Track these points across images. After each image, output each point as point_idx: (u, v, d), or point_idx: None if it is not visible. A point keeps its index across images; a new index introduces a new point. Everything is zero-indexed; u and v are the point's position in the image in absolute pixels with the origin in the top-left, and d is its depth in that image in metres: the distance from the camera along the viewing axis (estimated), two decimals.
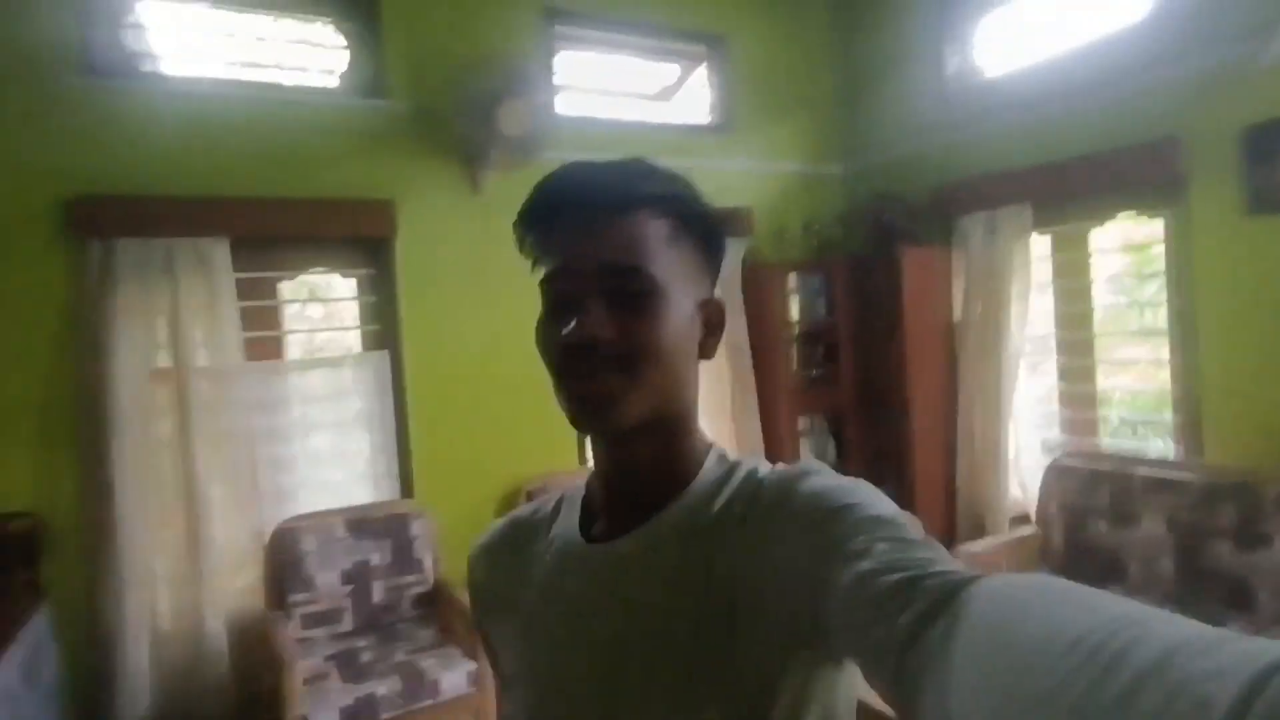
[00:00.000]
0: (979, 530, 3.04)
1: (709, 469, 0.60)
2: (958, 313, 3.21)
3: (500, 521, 0.71)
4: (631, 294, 0.55)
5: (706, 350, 0.61)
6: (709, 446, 0.62)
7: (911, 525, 0.48)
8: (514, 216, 0.57)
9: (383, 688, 2.12)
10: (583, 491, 0.66)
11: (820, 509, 0.51)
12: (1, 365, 2.25)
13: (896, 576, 0.42)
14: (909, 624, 0.38)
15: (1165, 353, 2.64)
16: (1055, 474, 2.72)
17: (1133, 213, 2.74)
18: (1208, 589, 2.23)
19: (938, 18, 3.29)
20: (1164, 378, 2.66)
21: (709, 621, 0.52)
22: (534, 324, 0.57)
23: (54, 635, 2.25)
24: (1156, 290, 2.78)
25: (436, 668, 2.23)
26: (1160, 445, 2.89)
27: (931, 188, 3.26)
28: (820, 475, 0.55)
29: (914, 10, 3.37)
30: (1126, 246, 3.02)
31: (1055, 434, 3.07)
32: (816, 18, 3.74)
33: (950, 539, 3.03)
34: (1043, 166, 2.85)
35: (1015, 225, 2.94)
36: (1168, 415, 2.66)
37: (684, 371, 0.58)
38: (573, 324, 0.54)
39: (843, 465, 3.45)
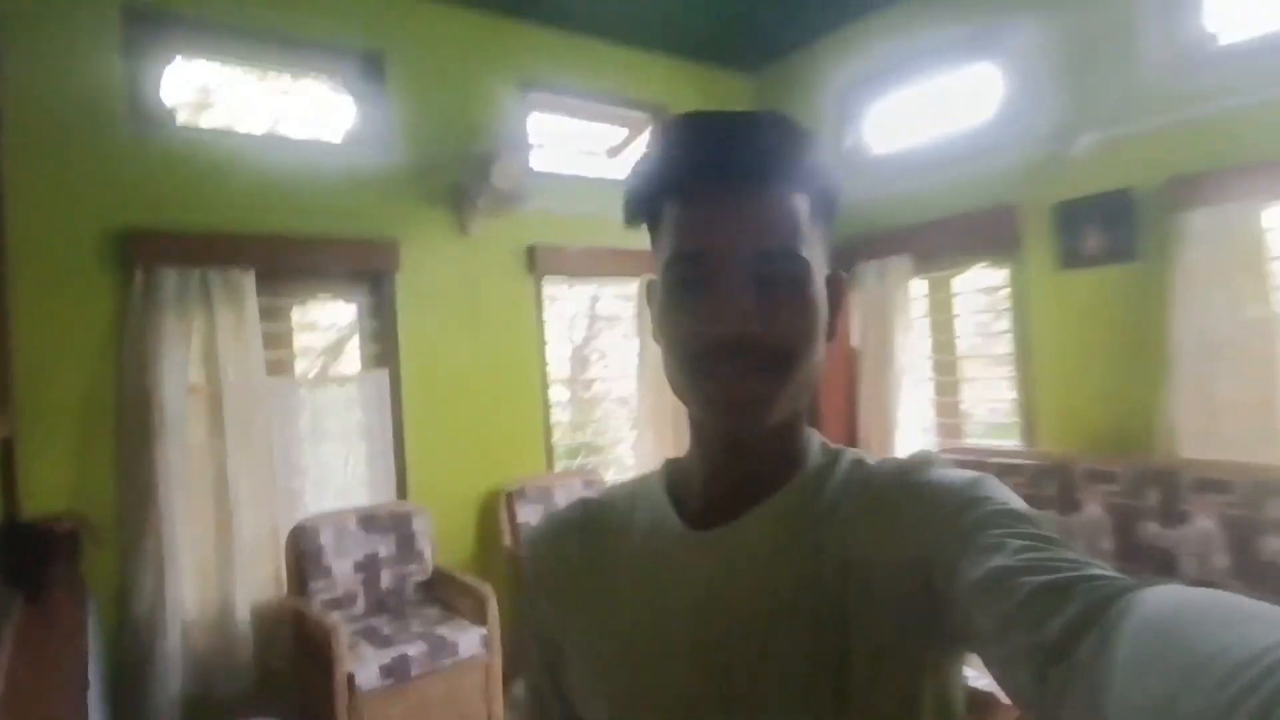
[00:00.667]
0: None
1: (815, 455, 0.57)
2: (857, 341, 3.94)
3: (566, 510, 0.65)
4: (782, 282, 0.50)
5: (833, 330, 0.55)
6: (810, 432, 0.59)
7: (1045, 522, 0.45)
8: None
9: (411, 649, 2.51)
10: (662, 477, 0.62)
11: (948, 498, 0.48)
12: (48, 378, 2.51)
13: (1042, 579, 0.39)
14: (1058, 633, 0.36)
15: (1010, 371, 3.45)
16: None
17: (986, 263, 3.56)
18: None
19: (837, 102, 4.07)
20: (1010, 391, 3.47)
21: (823, 608, 0.49)
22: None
23: (93, 625, 2.48)
24: (1004, 324, 3.60)
25: (453, 633, 2.64)
26: (1008, 441, 3.70)
27: (835, 241, 4.00)
28: (942, 467, 0.52)
29: (819, 93, 4.14)
30: (983, 289, 3.86)
31: (932, 437, 3.84)
32: (740, 93, 4.47)
33: None
34: (919, 225, 3.64)
35: (899, 272, 3.71)
36: (1013, 419, 3.47)
37: (821, 362, 0.54)
38: (722, 316, 0.49)
39: None
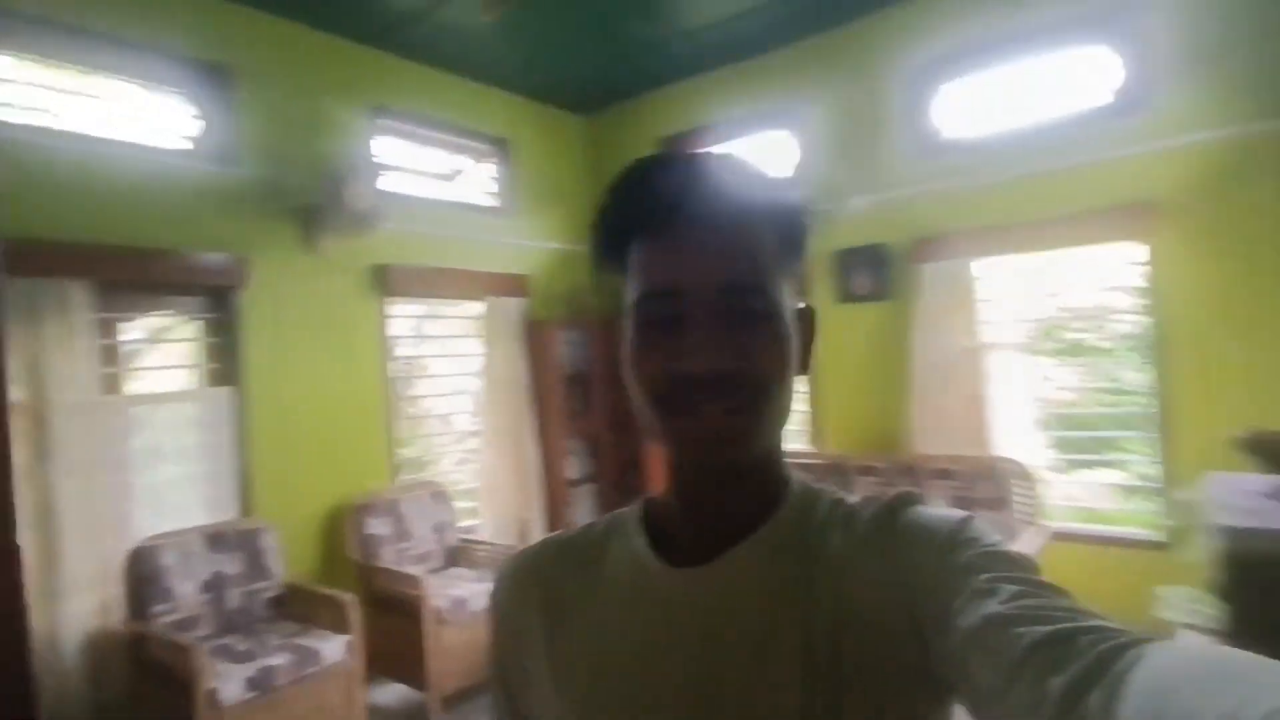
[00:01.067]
0: None
1: (796, 490, 0.57)
2: None
3: (536, 546, 0.64)
4: (750, 316, 0.50)
5: (805, 363, 0.55)
6: (788, 467, 0.58)
7: (1031, 565, 0.45)
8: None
9: (276, 660, 2.55)
10: (639, 514, 0.61)
11: (935, 538, 0.48)
12: None
13: (1042, 630, 0.38)
14: (1062, 691, 0.35)
15: (805, 387, 4.18)
16: None
17: None
18: None
19: (667, 144, 4.62)
20: (801, 405, 4.19)
21: (813, 646, 0.48)
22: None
23: None
24: None
25: (315, 642, 2.70)
26: (799, 446, 4.44)
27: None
28: (928, 504, 0.52)
29: (645, 138, 4.67)
30: None
31: None
32: (575, 132, 4.88)
33: None
34: None
35: None
36: (803, 428, 4.19)
37: (793, 393, 0.53)
38: (691, 352, 0.48)
39: (600, 474, 4.51)
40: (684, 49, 4.04)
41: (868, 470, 3.62)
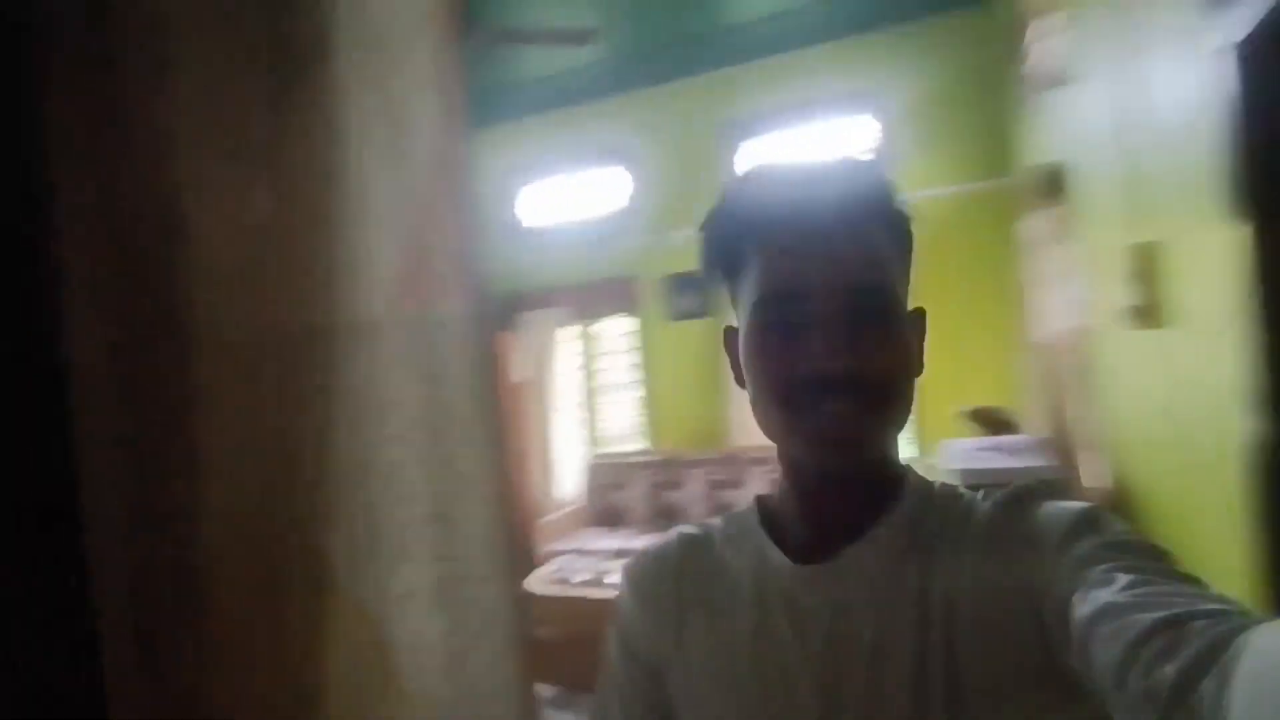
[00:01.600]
0: (542, 509, 4.67)
1: (912, 485, 0.57)
2: (523, 377, 4.86)
3: (666, 541, 0.65)
4: (875, 318, 0.51)
5: (919, 365, 0.56)
6: (905, 465, 0.59)
7: (1157, 553, 0.45)
8: None
9: None
10: (756, 514, 0.62)
11: (1057, 529, 0.48)
12: None
13: (1156, 616, 0.38)
14: (1175, 676, 0.34)
15: (640, 394, 4.71)
16: (591, 468, 4.54)
17: (623, 314, 4.80)
18: (666, 518, 4.24)
19: (498, 183, 4.99)
20: (637, 408, 4.73)
21: (930, 644, 0.49)
22: None
23: None
24: (635, 360, 4.88)
25: None
26: (638, 444, 4.98)
27: (502, 293, 4.89)
28: (1049, 496, 0.52)
29: (481, 175, 5.00)
30: (621, 334, 5.11)
31: (582, 447, 4.92)
32: None
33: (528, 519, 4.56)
34: (569, 285, 4.73)
35: (552, 321, 4.75)
36: (640, 428, 4.73)
37: (912, 395, 0.54)
38: (817, 353, 0.49)
39: None
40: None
41: (698, 463, 4.24)
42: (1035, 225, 3.00)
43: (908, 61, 3.90)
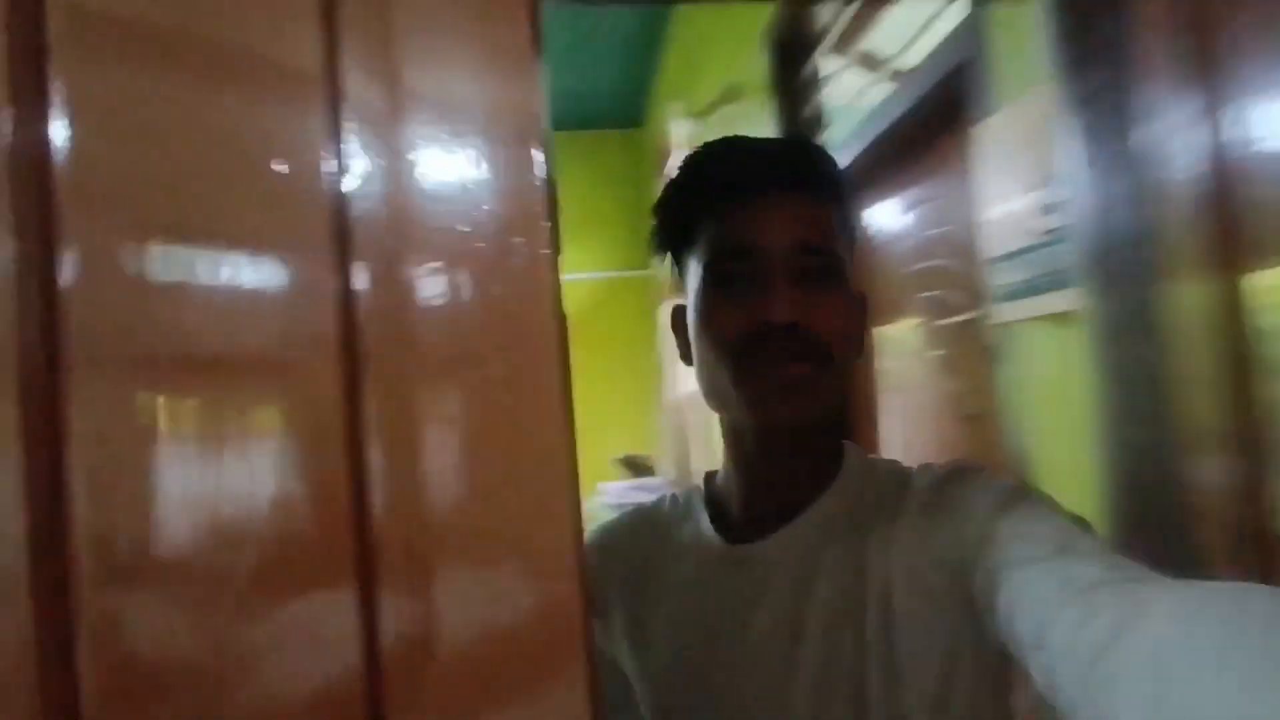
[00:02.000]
0: None
1: (850, 463, 0.58)
2: None
3: (624, 517, 0.66)
4: (825, 280, 0.53)
5: (860, 347, 0.58)
6: (846, 443, 0.59)
7: (1083, 525, 0.46)
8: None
9: None
10: (702, 491, 0.63)
11: (985, 504, 0.48)
12: None
13: (1075, 585, 0.38)
14: (1088, 650, 0.34)
15: None
16: None
17: None
18: None
19: None
20: None
21: (868, 624, 0.49)
22: None
23: None
24: None
25: None
26: None
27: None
28: (981, 474, 0.53)
29: None
30: None
31: None
32: None
33: None
34: None
35: None
36: None
37: (851, 371, 0.56)
38: (769, 305, 0.50)
39: None
40: None
41: None
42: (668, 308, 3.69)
43: (575, 162, 4.52)
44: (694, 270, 0.57)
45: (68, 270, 0.26)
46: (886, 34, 1.62)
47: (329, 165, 0.28)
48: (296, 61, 0.28)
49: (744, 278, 0.53)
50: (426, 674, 0.29)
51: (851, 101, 1.80)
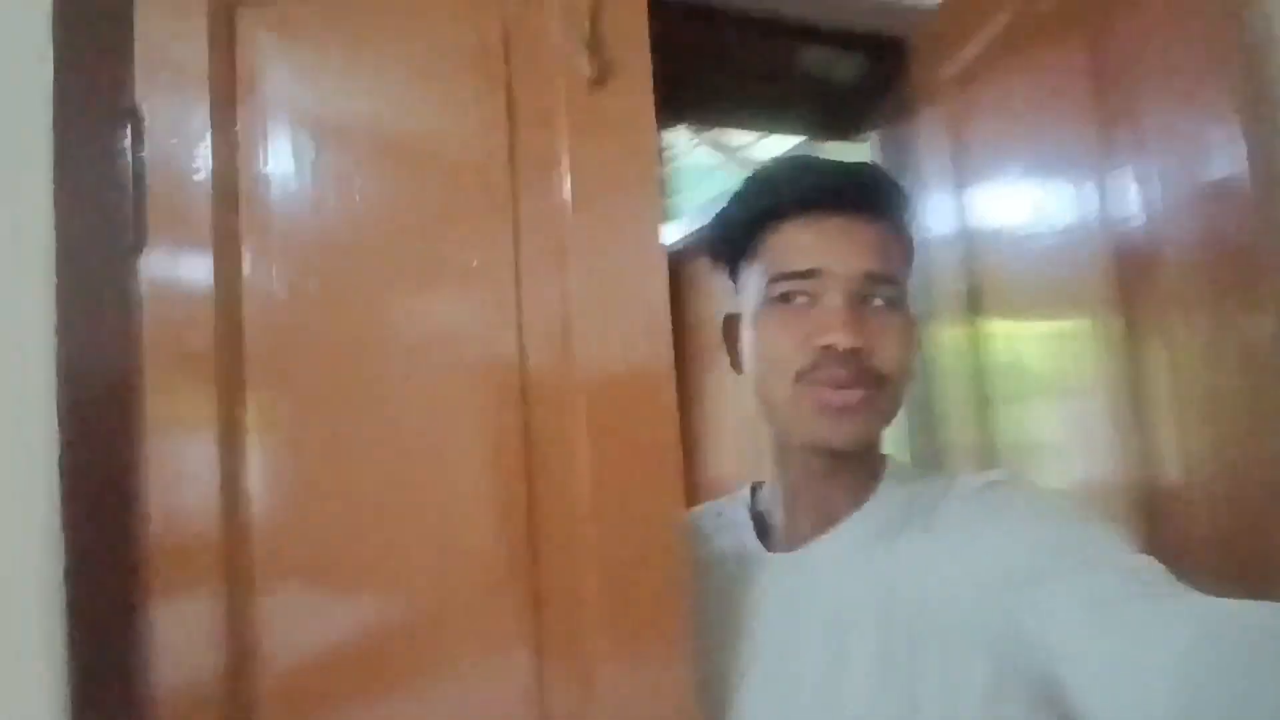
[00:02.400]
0: None
1: (891, 473, 0.58)
2: None
3: (689, 514, 0.65)
4: (886, 305, 0.53)
5: (912, 370, 0.57)
6: (885, 455, 0.60)
7: (1125, 543, 0.45)
8: None
9: None
10: (748, 499, 0.63)
11: (1029, 521, 0.48)
12: None
13: (1141, 609, 0.38)
14: (1166, 658, 0.35)
15: None
16: None
17: None
18: None
19: None
20: None
21: (890, 647, 0.49)
22: None
23: None
24: None
25: None
26: None
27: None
28: (1015, 486, 0.53)
29: None
30: None
31: None
32: None
33: None
34: None
35: None
36: None
37: (904, 395, 0.56)
38: (833, 327, 0.51)
39: None
40: None
41: None
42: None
43: None
44: (755, 283, 0.57)
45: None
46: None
47: None
48: None
49: (808, 297, 0.53)
50: None
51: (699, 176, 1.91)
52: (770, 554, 0.59)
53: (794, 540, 0.58)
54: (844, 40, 1.07)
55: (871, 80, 1.14)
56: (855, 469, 0.57)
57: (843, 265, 0.53)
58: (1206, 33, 0.70)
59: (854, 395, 0.51)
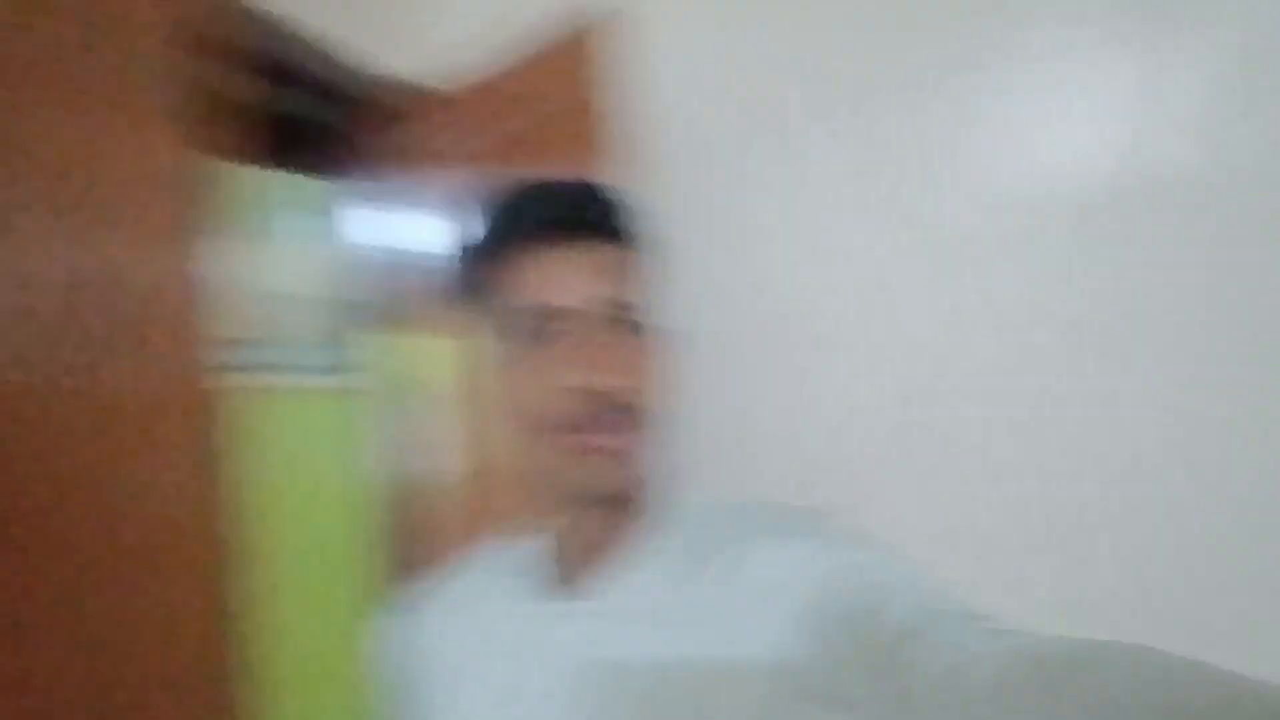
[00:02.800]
0: None
1: (662, 509, 0.56)
2: None
3: (433, 580, 0.63)
4: (636, 333, 0.51)
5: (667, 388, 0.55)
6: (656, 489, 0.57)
7: (884, 544, 0.47)
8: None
9: None
10: (515, 548, 0.60)
11: (807, 541, 0.49)
12: None
13: (902, 622, 0.39)
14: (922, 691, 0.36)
15: None
16: None
17: None
18: None
19: None
20: None
21: (698, 659, 0.47)
22: None
23: None
24: None
25: None
26: None
27: None
28: (819, 515, 0.53)
29: None
30: None
31: None
32: None
33: None
34: None
35: None
36: None
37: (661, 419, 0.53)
38: (583, 366, 0.48)
39: None
40: None
41: None
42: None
43: None
44: (496, 317, 0.54)
45: None
46: None
47: None
48: None
49: (556, 335, 0.50)
50: None
51: None
52: (546, 603, 0.56)
53: (566, 586, 0.55)
54: (324, 89, 1.38)
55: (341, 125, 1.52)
56: (630, 499, 0.55)
57: (588, 298, 0.50)
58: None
59: (618, 437, 0.50)
